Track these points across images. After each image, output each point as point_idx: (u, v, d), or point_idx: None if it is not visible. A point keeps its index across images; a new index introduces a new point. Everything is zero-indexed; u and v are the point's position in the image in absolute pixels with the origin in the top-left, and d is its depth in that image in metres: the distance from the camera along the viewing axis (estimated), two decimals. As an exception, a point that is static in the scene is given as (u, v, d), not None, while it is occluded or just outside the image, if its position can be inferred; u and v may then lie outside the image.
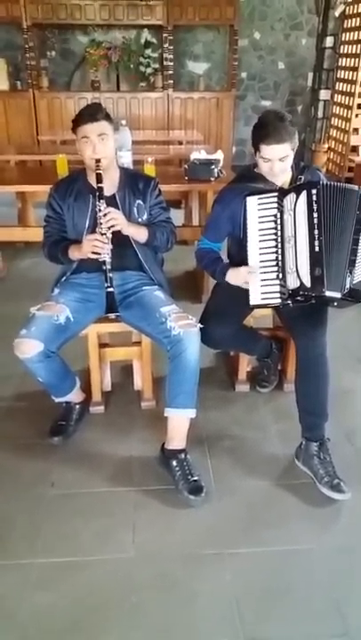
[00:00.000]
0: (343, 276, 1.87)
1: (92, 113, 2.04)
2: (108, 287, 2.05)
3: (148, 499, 1.96)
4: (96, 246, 2.03)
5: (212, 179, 3.41)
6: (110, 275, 2.05)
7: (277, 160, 1.97)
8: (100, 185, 2.04)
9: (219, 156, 3.59)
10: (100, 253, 2.03)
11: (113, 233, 2.06)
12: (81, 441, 2.26)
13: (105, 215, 2.03)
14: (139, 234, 2.17)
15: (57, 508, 1.93)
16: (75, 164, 3.53)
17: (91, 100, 6.62)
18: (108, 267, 2.05)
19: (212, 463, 2.14)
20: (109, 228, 2.04)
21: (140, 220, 2.21)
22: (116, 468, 2.11)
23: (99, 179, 2.04)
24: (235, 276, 2.07)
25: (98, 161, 2.03)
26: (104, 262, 2.04)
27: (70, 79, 7.03)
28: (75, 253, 2.14)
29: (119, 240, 2.11)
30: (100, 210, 2.03)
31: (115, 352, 2.47)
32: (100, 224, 2.03)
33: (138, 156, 3.62)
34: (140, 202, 2.20)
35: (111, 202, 2.10)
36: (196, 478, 1.97)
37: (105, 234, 2.03)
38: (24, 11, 6.18)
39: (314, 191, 1.87)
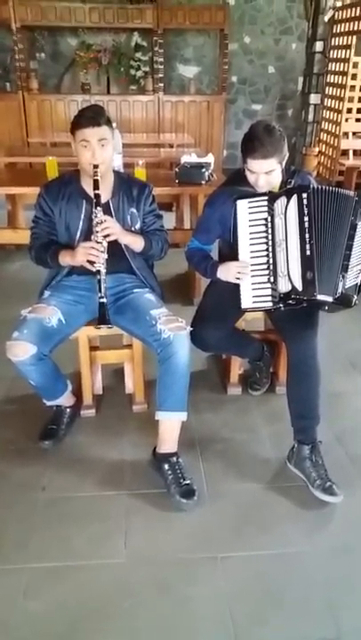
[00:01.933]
0: (336, 280, 1.88)
1: (94, 117, 1.98)
2: (101, 298, 2.01)
3: (140, 503, 1.95)
4: (91, 254, 1.99)
5: (203, 182, 3.41)
6: (105, 285, 2.01)
7: (263, 173, 1.98)
8: (96, 192, 2.00)
9: (209, 159, 3.60)
10: (94, 262, 2.00)
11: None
12: (72, 445, 2.24)
13: (101, 223, 2.00)
14: (135, 243, 2.15)
15: (48, 512, 1.91)
16: (64, 167, 3.53)
17: (81, 102, 6.61)
18: (103, 277, 2.01)
19: (204, 466, 2.13)
20: (105, 237, 2.02)
21: (133, 228, 2.19)
22: (108, 472, 2.10)
23: (96, 185, 2.00)
24: (225, 271, 2.07)
25: (96, 167, 1.99)
26: (98, 272, 2.00)
27: (60, 81, 7.01)
28: (66, 259, 2.09)
29: (110, 243, 2.08)
30: (96, 216, 2.00)
31: (106, 355, 2.46)
32: (97, 232, 2.00)
33: (128, 159, 3.62)
34: (133, 210, 2.18)
35: (105, 209, 2.06)
36: (188, 482, 1.96)
37: (100, 242, 2.00)
38: (13, 12, 6.16)
39: (305, 195, 1.88)
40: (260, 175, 1.99)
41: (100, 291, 2.00)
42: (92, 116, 1.98)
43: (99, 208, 2.01)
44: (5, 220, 4.42)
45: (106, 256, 2.01)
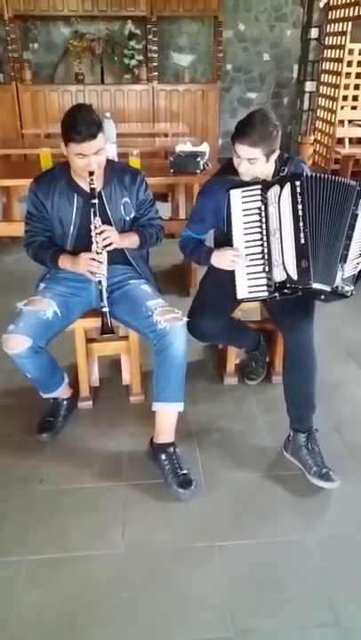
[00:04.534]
0: (334, 269, 1.87)
1: (90, 132, 1.89)
2: (103, 307, 2.04)
3: (138, 493, 1.96)
4: (92, 266, 2.01)
5: (198, 171, 3.39)
6: (106, 294, 2.05)
7: (246, 160, 1.97)
8: (94, 201, 2.00)
9: (204, 148, 3.57)
10: (95, 273, 2.02)
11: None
12: (69, 437, 2.25)
13: (100, 234, 2.01)
14: (132, 243, 2.18)
15: (46, 504, 1.92)
16: (59, 158, 3.49)
17: (75, 92, 6.55)
18: (105, 286, 2.04)
19: (201, 456, 2.14)
20: (105, 247, 2.02)
21: (127, 218, 2.18)
22: (106, 464, 2.10)
23: (93, 194, 2.00)
24: (220, 258, 2.06)
25: (92, 174, 1.97)
26: (99, 282, 2.03)
27: (54, 72, 6.94)
28: (66, 265, 2.10)
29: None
30: (95, 227, 2.00)
31: (102, 347, 2.45)
32: (97, 243, 2.01)
33: (123, 149, 3.60)
34: (126, 199, 2.16)
35: (97, 199, 2.04)
36: (185, 472, 1.97)
37: (101, 253, 2.01)
38: (5, 2, 6.07)
39: (298, 183, 1.87)
40: (243, 161, 1.98)
41: (101, 300, 2.04)
42: (88, 132, 1.89)
43: (97, 218, 2.01)
44: (0, 213, 4.39)
45: (106, 266, 2.03)
